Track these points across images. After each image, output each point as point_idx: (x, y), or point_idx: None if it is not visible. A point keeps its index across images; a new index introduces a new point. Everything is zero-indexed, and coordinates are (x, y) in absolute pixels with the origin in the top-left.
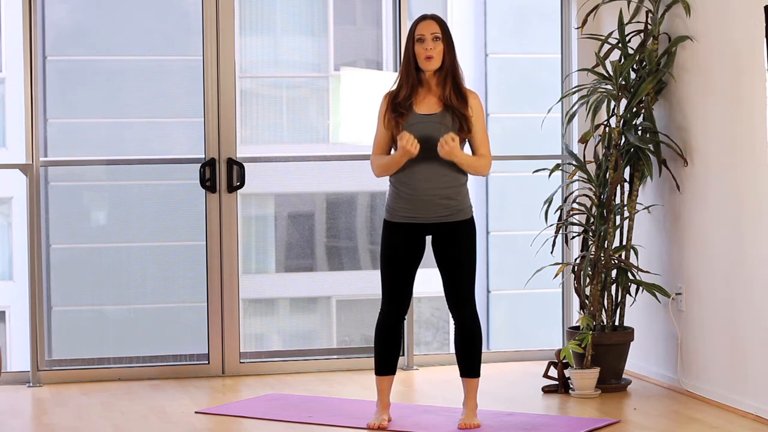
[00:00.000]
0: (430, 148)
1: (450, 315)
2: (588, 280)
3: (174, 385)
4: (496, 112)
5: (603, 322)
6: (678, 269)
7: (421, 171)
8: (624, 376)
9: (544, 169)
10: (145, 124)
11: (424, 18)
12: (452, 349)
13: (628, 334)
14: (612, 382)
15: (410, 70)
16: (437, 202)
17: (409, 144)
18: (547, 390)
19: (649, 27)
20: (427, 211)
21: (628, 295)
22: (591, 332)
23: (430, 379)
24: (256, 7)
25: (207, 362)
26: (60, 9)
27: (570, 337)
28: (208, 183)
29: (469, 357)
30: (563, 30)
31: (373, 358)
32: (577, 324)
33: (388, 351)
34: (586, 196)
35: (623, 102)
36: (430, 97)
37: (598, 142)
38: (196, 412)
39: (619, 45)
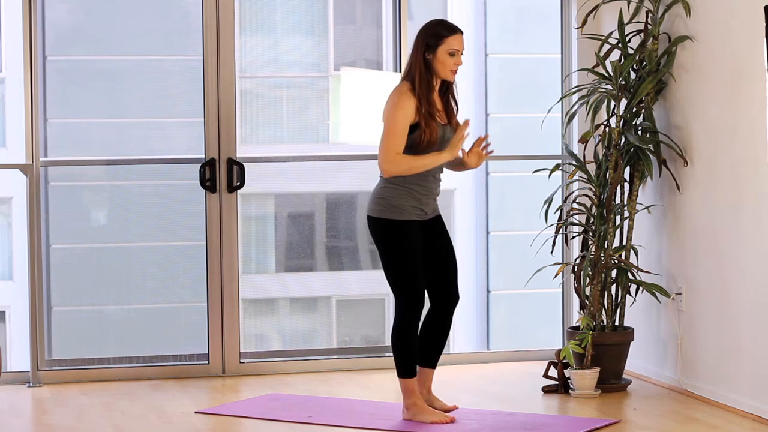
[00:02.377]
0: None
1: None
2: (588, 280)
3: (174, 385)
4: (496, 112)
5: (603, 322)
6: (678, 269)
7: (430, 174)
8: (624, 376)
9: (544, 169)
10: (145, 124)
11: (455, 31)
12: (453, 349)
13: (628, 334)
14: (612, 382)
15: (430, 74)
16: (435, 200)
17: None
18: (547, 390)
19: (649, 27)
20: (429, 207)
21: (628, 295)
22: (591, 332)
23: None
24: (256, 7)
25: (207, 362)
26: (60, 9)
27: (570, 337)
28: (208, 183)
29: (442, 348)
30: (563, 30)
31: (372, 358)
32: (577, 324)
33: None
34: (586, 196)
35: (623, 102)
36: (440, 105)
37: (598, 142)
38: (196, 412)
39: (619, 45)
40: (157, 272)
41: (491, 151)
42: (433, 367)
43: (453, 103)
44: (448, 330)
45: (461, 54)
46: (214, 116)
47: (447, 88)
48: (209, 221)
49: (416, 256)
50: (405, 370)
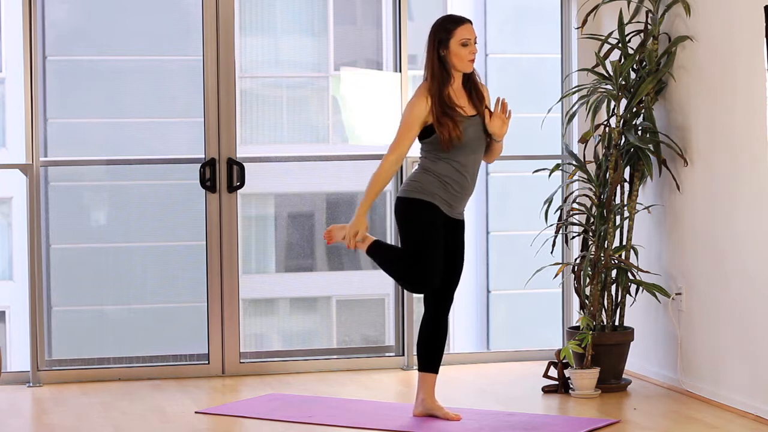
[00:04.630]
0: (479, 149)
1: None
2: (588, 280)
3: (174, 385)
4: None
5: (603, 322)
6: (678, 269)
7: (468, 171)
8: (624, 376)
9: (544, 169)
10: (145, 124)
11: (463, 21)
12: (453, 349)
13: (628, 334)
14: (612, 382)
15: (446, 70)
16: (466, 199)
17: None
18: (547, 390)
19: (649, 27)
20: (458, 206)
21: (628, 295)
22: (591, 332)
23: None
24: (256, 7)
25: (207, 362)
26: (60, 9)
27: (570, 337)
28: (208, 183)
29: (441, 352)
30: (563, 30)
31: (372, 358)
32: (577, 324)
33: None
34: (586, 196)
35: (623, 102)
36: (462, 98)
37: (598, 142)
38: (196, 412)
39: (619, 45)
40: (157, 272)
41: (510, 111)
42: (435, 372)
43: (479, 91)
44: (445, 332)
45: (474, 43)
46: (214, 116)
47: (469, 79)
48: (209, 221)
49: (436, 233)
50: (419, 362)
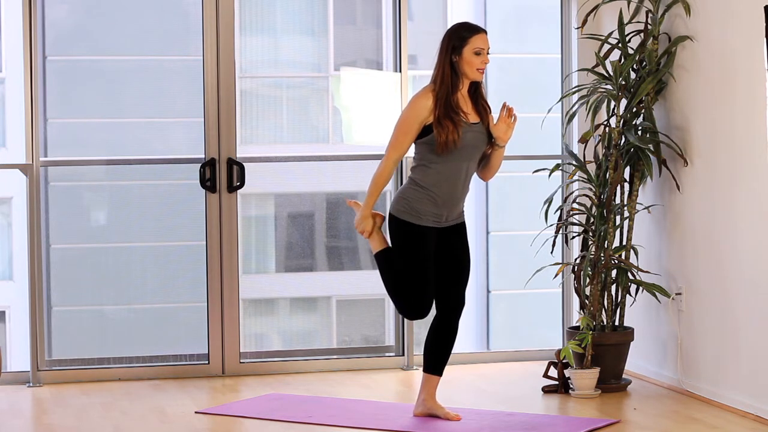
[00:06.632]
0: (473, 157)
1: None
2: (588, 280)
3: (174, 385)
4: (496, 112)
5: (603, 322)
6: (678, 269)
7: (459, 178)
8: (624, 376)
9: (544, 169)
10: (145, 124)
11: (478, 30)
12: (453, 349)
13: (628, 334)
14: (612, 382)
15: (456, 76)
16: (459, 206)
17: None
18: (547, 390)
19: (649, 27)
20: (450, 214)
21: (628, 295)
22: (591, 332)
23: None
24: (256, 7)
25: (207, 362)
26: (60, 9)
27: (570, 337)
28: (208, 183)
29: (447, 355)
30: (563, 30)
31: (372, 358)
32: (577, 324)
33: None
34: (586, 196)
35: (623, 102)
36: (467, 105)
37: (598, 142)
38: (196, 412)
39: (619, 45)
40: (157, 272)
41: (515, 116)
42: (439, 374)
43: (485, 100)
44: (453, 336)
45: (487, 52)
46: (214, 116)
47: (476, 89)
48: (209, 221)
49: (429, 263)
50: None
